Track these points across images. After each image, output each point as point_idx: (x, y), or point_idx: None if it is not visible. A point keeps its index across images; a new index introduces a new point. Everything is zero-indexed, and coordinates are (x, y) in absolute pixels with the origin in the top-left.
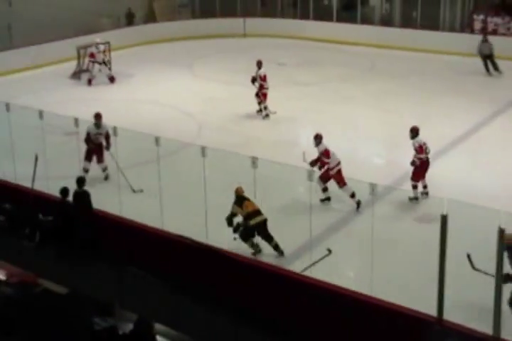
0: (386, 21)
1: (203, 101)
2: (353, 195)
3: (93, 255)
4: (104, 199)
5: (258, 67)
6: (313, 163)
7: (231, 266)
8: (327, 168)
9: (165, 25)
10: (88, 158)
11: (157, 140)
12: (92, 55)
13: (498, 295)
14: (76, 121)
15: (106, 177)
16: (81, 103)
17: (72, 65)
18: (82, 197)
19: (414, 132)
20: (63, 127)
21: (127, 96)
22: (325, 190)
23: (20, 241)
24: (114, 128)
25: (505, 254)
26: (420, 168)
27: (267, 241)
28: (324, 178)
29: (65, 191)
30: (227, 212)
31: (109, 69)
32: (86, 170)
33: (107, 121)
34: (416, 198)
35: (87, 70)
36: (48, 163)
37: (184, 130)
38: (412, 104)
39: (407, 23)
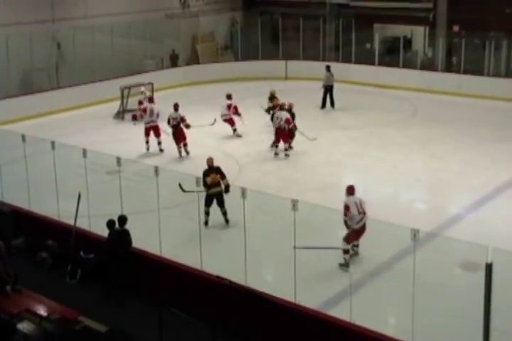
0: (428, 66)
1: (243, 143)
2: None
3: (134, 294)
4: (144, 239)
5: (175, 109)
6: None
7: (270, 309)
8: None
9: (207, 66)
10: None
11: (198, 181)
12: (140, 102)
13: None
14: (118, 160)
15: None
16: (124, 142)
17: (115, 105)
18: (123, 235)
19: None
20: (106, 166)
21: (168, 137)
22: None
23: (62, 278)
24: (156, 168)
25: None
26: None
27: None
28: None
29: (111, 223)
30: (267, 253)
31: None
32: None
33: (147, 160)
34: None
35: (130, 110)
36: (91, 201)
37: (224, 171)
38: (456, 149)
39: (449, 67)
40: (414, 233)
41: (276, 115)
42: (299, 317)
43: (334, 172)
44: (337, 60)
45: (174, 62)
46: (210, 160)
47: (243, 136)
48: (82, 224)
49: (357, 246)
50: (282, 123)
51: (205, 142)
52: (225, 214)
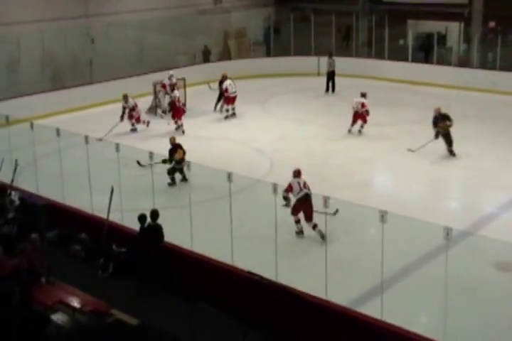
0: (463, 62)
1: (275, 139)
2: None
3: (165, 288)
4: (175, 233)
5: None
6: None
7: (301, 305)
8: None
9: (239, 62)
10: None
11: (229, 176)
12: (163, 86)
13: None
14: (151, 154)
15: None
16: (156, 137)
17: (148, 100)
18: (155, 230)
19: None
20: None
21: (200, 132)
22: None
23: (95, 271)
24: (188, 163)
25: None
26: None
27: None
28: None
29: (143, 218)
30: (297, 249)
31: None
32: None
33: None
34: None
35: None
36: (123, 195)
37: (255, 167)
38: (490, 147)
39: (484, 64)
40: (447, 231)
41: (355, 100)
42: (330, 314)
43: (365, 170)
44: (370, 57)
45: (206, 57)
46: (172, 139)
47: (272, 132)
48: (115, 218)
49: (315, 227)
50: (360, 107)
51: (234, 138)
52: (184, 176)
